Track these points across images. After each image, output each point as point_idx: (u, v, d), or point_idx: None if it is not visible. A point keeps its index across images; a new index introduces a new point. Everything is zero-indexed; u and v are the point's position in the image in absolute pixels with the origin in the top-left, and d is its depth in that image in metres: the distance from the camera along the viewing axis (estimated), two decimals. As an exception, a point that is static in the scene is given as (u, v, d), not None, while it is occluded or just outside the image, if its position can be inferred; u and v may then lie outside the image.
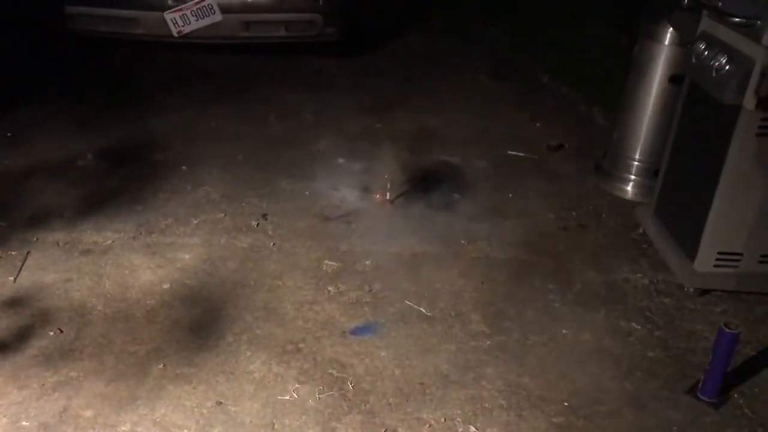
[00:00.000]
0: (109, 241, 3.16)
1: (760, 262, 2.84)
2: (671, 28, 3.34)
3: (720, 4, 2.77)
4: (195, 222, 3.34)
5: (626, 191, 3.76)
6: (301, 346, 2.57)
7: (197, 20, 4.84)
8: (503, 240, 3.30)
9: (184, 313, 2.73)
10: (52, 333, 2.59)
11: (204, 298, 2.81)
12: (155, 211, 3.43)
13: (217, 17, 4.89)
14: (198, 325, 2.66)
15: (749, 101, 2.54)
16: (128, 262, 3.03)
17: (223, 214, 3.41)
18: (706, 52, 2.78)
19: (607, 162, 3.88)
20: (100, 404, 2.28)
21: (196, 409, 2.28)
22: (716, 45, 2.75)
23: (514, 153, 4.20)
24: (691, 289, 2.93)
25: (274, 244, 3.19)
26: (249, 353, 2.52)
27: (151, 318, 2.69)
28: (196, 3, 4.82)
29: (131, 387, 2.36)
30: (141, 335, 2.60)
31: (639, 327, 2.75)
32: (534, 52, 5.85)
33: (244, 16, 5.04)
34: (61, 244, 3.13)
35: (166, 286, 2.88)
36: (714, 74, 2.68)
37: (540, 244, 3.29)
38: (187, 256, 3.07)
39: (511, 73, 5.55)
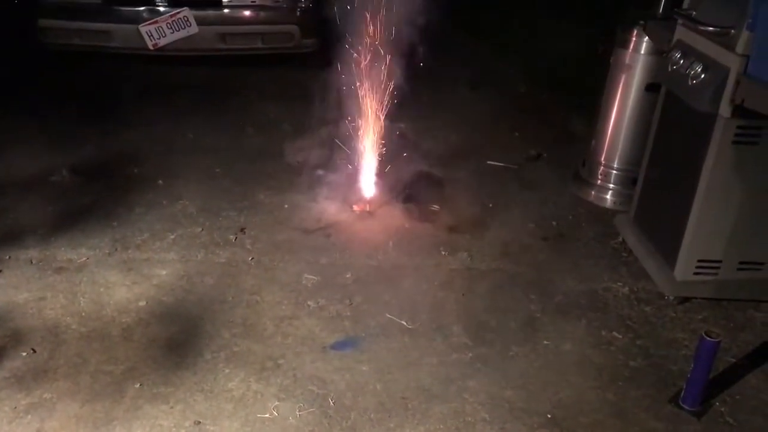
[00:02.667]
0: (84, 258, 3.11)
1: (739, 269, 2.85)
2: (647, 38, 3.36)
3: (694, 13, 2.79)
4: (171, 237, 3.29)
5: (605, 200, 3.77)
6: (280, 362, 2.53)
7: (173, 33, 4.80)
8: (484, 251, 3.29)
9: (160, 330, 2.67)
10: (24, 353, 2.52)
11: (181, 315, 2.76)
12: (131, 226, 3.37)
13: (193, 29, 4.86)
14: (175, 343, 2.61)
15: (725, 109, 2.55)
16: (103, 279, 2.97)
17: (200, 229, 3.37)
18: (681, 61, 2.80)
19: (585, 171, 3.89)
20: (74, 426, 2.22)
21: (173, 429, 2.23)
22: (691, 54, 2.77)
23: (494, 163, 4.20)
24: (672, 297, 2.93)
25: (252, 258, 3.15)
26: (227, 371, 2.48)
27: (127, 336, 2.64)
28: (172, 15, 4.78)
29: (107, 407, 2.30)
30: (117, 354, 2.54)
31: (620, 336, 2.74)
32: (513, 62, 5.87)
33: (220, 29, 5.02)
34: (34, 262, 3.07)
35: (142, 303, 2.83)
36: (690, 83, 2.70)
37: (521, 255, 3.28)
38: (164, 272, 3.02)
39: (491, 83, 5.56)
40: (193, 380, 2.43)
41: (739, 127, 2.59)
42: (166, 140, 4.33)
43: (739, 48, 2.46)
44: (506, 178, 4.05)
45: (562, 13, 6.21)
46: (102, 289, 2.91)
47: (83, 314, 2.75)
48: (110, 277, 2.98)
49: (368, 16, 3.46)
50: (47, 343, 2.58)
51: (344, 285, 2.98)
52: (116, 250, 3.18)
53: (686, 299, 2.94)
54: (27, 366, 2.47)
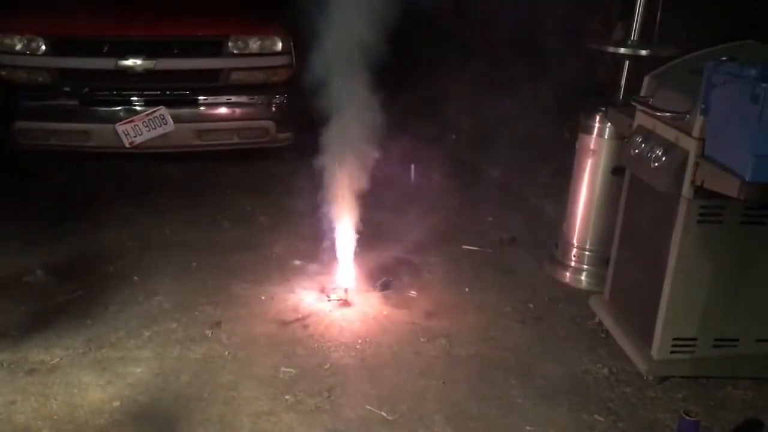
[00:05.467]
0: (57, 359, 3.04)
1: (715, 346, 2.87)
2: (609, 123, 3.49)
3: (651, 100, 2.92)
4: (147, 334, 3.25)
5: (580, 281, 3.81)
6: (258, 460, 2.47)
7: (149, 131, 4.87)
8: (462, 336, 3.29)
9: (135, 431, 2.60)
10: (-8, 462, 2.45)
11: (156, 415, 2.70)
12: (106, 324, 3.33)
13: (169, 127, 4.93)
14: (150, 444, 2.54)
15: (687, 190, 2.64)
16: (77, 379, 2.91)
17: (175, 324, 3.33)
18: (642, 145, 2.90)
19: (559, 253, 3.94)
20: None
21: None
22: (652, 138, 2.88)
23: (469, 247, 4.25)
24: (651, 377, 2.93)
25: (228, 353, 3.11)
26: (204, 471, 2.41)
27: (100, 439, 2.57)
28: (148, 114, 4.87)
29: None
30: (89, 459, 2.47)
31: (602, 419, 2.72)
32: (483, 149, 6.02)
33: (196, 125, 5.10)
34: (5, 365, 3.00)
35: (116, 403, 2.76)
36: (652, 166, 2.79)
37: (499, 339, 3.28)
38: (139, 371, 2.97)
39: (462, 169, 5.68)
40: (168, 483, 2.36)
41: (702, 206, 2.67)
42: (142, 236, 4.33)
43: (695, 132, 2.57)
44: (482, 261, 4.09)
45: (527, 100, 6.41)
46: (75, 391, 2.84)
47: (55, 417, 2.67)
48: (84, 378, 2.92)
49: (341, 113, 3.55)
50: (16, 450, 2.51)
51: (322, 377, 2.95)
52: (90, 349, 3.12)
53: (665, 378, 2.94)
54: (-6, 475, 2.38)
